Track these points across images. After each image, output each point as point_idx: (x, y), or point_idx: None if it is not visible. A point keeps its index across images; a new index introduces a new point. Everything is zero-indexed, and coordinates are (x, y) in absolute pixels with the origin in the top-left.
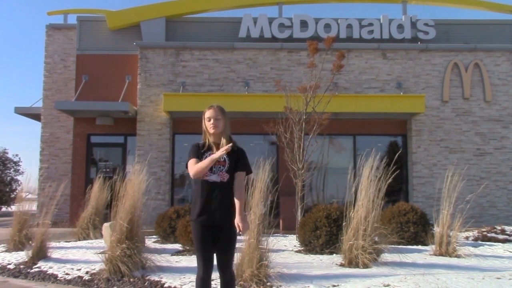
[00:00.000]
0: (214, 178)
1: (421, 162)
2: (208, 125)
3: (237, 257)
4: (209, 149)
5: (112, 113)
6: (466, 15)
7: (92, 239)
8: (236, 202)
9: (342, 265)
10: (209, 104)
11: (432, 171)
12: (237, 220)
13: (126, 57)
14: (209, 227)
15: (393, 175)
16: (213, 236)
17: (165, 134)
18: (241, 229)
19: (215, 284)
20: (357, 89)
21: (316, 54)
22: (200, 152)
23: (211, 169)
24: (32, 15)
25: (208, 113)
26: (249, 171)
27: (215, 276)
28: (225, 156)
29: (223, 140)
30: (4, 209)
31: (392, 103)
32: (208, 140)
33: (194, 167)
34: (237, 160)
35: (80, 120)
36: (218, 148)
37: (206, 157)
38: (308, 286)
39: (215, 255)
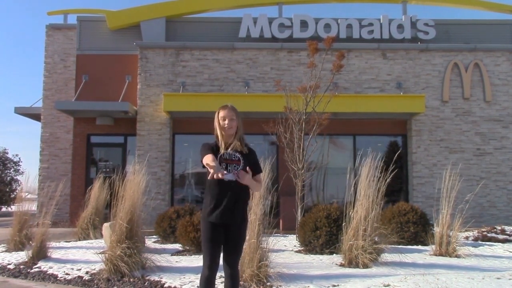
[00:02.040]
0: (229, 177)
1: (421, 162)
2: (223, 124)
3: None
4: (218, 148)
5: (112, 113)
6: (466, 15)
7: (92, 239)
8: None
9: (342, 265)
10: (209, 104)
11: (432, 171)
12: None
13: (126, 57)
14: (221, 226)
15: (392, 175)
16: (223, 235)
17: (165, 134)
18: (240, 175)
19: (217, 284)
20: (357, 89)
21: (316, 54)
22: (213, 151)
23: (226, 168)
24: (32, 15)
25: (222, 113)
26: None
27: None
28: (239, 156)
29: (235, 142)
30: (4, 209)
31: (392, 103)
32: (220, 140)
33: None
34: (252, 163)
35: (80, 120)
36: (230, 148)
37: (223, 158)
38: (308, 286)
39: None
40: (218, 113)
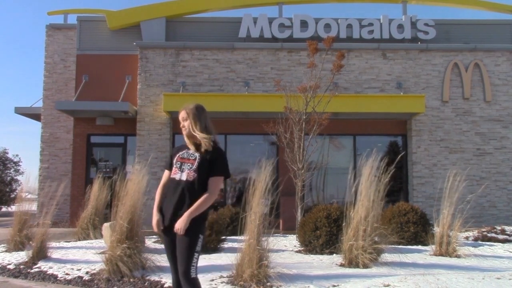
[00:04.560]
0: (180, 176)
1: (421, 162)
2: (181, 126)
3: (237, 257)
4: (183, 149)
5: (112, 113)
6: (466, 15)
7: (92, 239)
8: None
9: (342, 265)
10: (209, 104)
11: (432, 171)
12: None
13: (126, 57)
14: (170, 228)
15: (393, 175)
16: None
17: (165, 134)
18: (174, 227)
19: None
20: (357, 89)
21: (316, 54)
22: (173, 156)
23: (180, 166)
24: (32, 15)
25: (179, 116)
26: (226, 175)
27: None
28: (196, 154)
29: (201, 140)
30: (4, 209)
31: (392, 103)
32: (186, 140)
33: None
34: (213, 161)
35: (80, 120)
36: (196, 148)
37: (180, 156)
38: (308, 286)
39: None
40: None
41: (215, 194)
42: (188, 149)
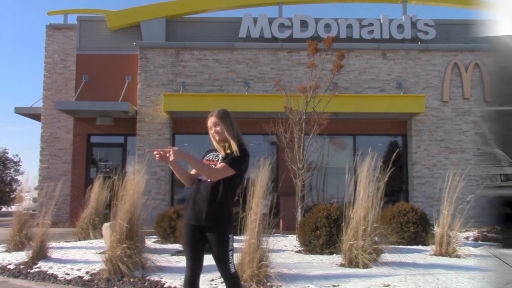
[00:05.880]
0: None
1: (421, 162)
2: (211, 134)
3: (237, 257)
4: (211, 152)
5: (112, 113)
6: (466, 15)
7: (92, 239)
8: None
9: (342, 265)
10: (209, 104)
11: (432, 171)
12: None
13: (126, 57)
14: (197, 228)
15: (391, 174)
16: (201, 237)
17: (165, 134)
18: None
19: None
20: (357, 89)
21: (316, 54)
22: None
23: None
24: (32, 15)
25: (208, 123)
26: (232, 166)
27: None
28: (220, 156)
29: (231, 144)
30: (4, 209)
31: (392, 103)
32: (215, 144)
33: None
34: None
35: (80, 120)
36: (224, 151)
37: (206, 159)
38: (308, 286)
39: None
40: (207, 123)
41: (214, 176)
42: (216, 151)
